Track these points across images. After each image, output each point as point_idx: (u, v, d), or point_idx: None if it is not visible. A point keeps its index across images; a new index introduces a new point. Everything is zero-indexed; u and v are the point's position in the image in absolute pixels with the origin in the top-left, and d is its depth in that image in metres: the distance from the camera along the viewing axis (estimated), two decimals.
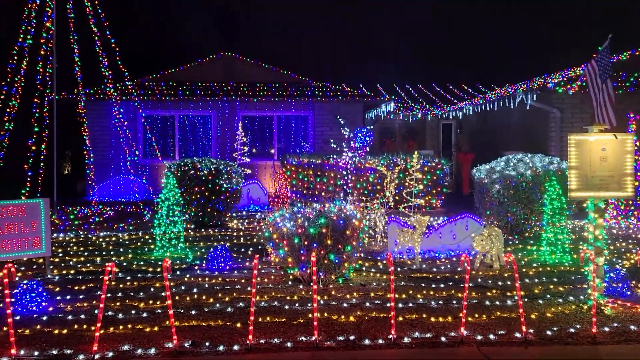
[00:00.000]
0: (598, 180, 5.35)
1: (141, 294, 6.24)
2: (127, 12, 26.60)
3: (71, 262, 7.82)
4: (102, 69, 12.26)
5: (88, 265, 7.69)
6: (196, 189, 10.70)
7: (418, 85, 23.51)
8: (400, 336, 4.90)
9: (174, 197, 8.44)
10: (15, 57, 10.97)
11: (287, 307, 5.74)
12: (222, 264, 7.37)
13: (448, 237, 8.21)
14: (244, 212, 13.15)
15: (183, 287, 6.46)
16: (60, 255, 8.26)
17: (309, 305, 5.69)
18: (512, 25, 34.69)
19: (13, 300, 5.50)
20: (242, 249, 8.70)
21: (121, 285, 6.54)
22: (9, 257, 6.67)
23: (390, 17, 37.76)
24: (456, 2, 36.81)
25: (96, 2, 11.64)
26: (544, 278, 6.88)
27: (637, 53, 13.74)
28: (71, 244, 9.16)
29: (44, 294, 5.74)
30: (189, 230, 10.37)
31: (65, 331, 5.08)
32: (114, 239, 9.68)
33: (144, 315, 5.51)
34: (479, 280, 6.81)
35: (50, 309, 5.66)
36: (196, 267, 7.48)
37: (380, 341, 4.84)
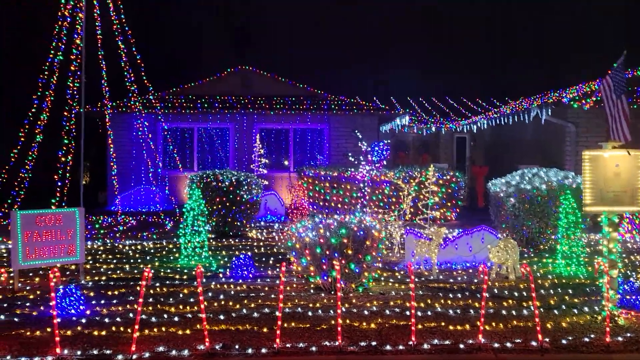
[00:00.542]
0: (612, 194, 5.57)
1: (171, 299, 6.55)
2: (147, 28, 27.25)
3: (102, 269, 8.17)
4: (127, 84, 12.70)
5: (118, 272, 8.03)
6: (217, 199, 11.04)
7: (432, 99, 23.79)
8: (420, 343, 5.13)
9: (199, 207, 8.76)
10: (46, 72, 11.43)
11: (310, 313, 6.00)
12: (246, 272, 7.66)
13: (464, 248, 8.43)
14: (262, 223, 13.46)
15: (210, 294, 6.75)
16: (91, 262, 8.61)
17: (331, 312, 5.94)
18: (528, 39, 34.90)
19: (53, 303, 5.82)
20: (263, 258, 8.99)
21: (152, 291, 6.84)
22: (46, 264, 7.04)
23: (404, 31, 38.17)
24: (471, 17, 37.12)
25: (123, 21, 12.09)
26: (559, 289, 7.08)
27: None
28: (99, 252, 9.52)
29: (82, 298, 6.06)
30: (211, 240, 10.68)
31: (103, 333, 5.39)
32: (139, 247, 10.03)
33: (176, 319, 5.81)
34: (495, 290, 7.02)
35: (88, 312, 5.98)
36: (221, 275, 7.78)
37: (400, 347, 5.08)
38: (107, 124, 13.61)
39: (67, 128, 11.35)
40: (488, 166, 17.87)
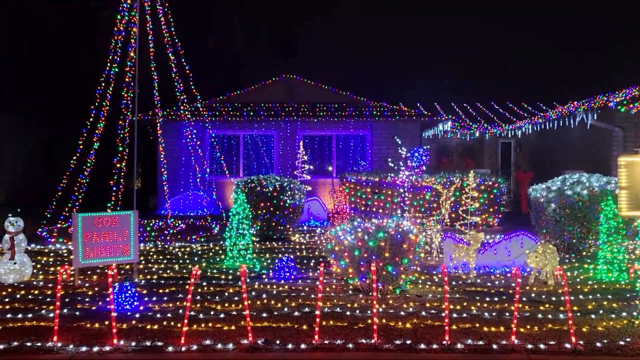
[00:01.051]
0: None
1: (217, 297, 6.94)
2: (195, 37, 28.27)
3: (153, 269, 8.70)
4: (177, 93, 13.36)
5: (168, 271, 8.53)
6: (262, 204, 11.46)
7: (476, 104, 23.60)
8: (453, 342, 5.30)
9: (244, 211, 9.16)
10: (103, 84, 12.20)
11: (348, 313, 6.25)
12: (288, 274, 7.98)
13: (503, 253, 8.48)
14: (305, 227, 13.80)
15: (254, 293, 7.11)
16: (143, 262, 9.16)
17: (369, 312, 6.18)
18: (573, 42, 34.03)
19: (111, 298, 6.31)
20: (305, 261, 9.30)
21: (199, 290, 7.27)
22: (103, 262, 7.59)
23: (448, 36, 37.91)
24: (516, 21, 36.54)
25: (173, 34, 12.75)
26: (599, 295, 7.06)
27: None
28: (151, 253, 10.09)
29: (136, 295, 6.54)
30: (255, 243, 11.08)
31: (155, 327, 5.82)
32: (187, 249, 10.55)
33: (221, 316, 6.19)
34: (533, 295, 7.08)
35: (141, 308, 6.45)
36: (264, 276, 8.14)
37: (434, 346, 5.26)
38: (158, 132, 14.32)
39: (121, 136, 12.06)
40: (532, 172, 17.62)
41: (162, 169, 14.73)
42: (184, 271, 8.53)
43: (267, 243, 11.28)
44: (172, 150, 17.74)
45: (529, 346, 5.24)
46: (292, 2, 36.99)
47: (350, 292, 7.20)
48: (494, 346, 5.24)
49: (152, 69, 12.52)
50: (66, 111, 21.58)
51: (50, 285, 7.65)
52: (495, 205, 12.79)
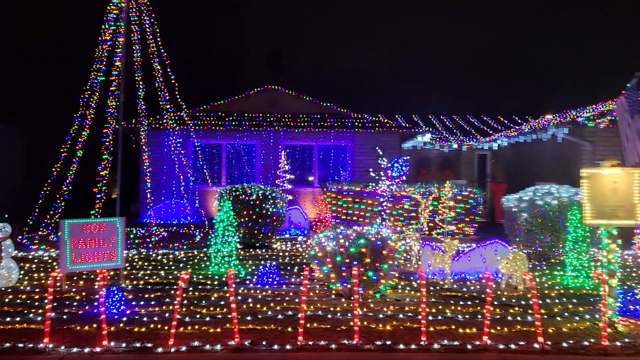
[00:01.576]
0: (609, 209, 6.00)
1: (203, 302, 7.16)
2: (181, 47, 28.48)
3: (139, 275, 8.86)
4: (161, 102, 13.54)
5: (154, 277, 8.70)
6: (245, 212, 11.69)
7: (453, 117, 24.22)
8: (430, 343, 5.62)
9: (229, 219, 9.39)
10: (88, 92, 12.33)
11: (330, 316, 6.54)
12: (271, 279, 8.23)
13: (477, 260, 8.86)
14: (287, 235, 14.05)
15: (239, 298, 7.33)
16: (128, 268, 9.31)
17: (350, 315, 6.47)
18: (549, 57, 35.09)
19: (102, 300, 6.49)
20: (288, 267, 9.55)
21: (185, 295, 7.47)
22: (89, 268, 7.74)
23: (427, 51, 38.73)
24: (493, 36, 37.51)
25: (159, 45, 12.96)
26: (565, 299, 7.48)
27: None
28: (136, 259, 10.24)
29: (123, 299, 6.71)
30: (238, 250, 11.28)
31: (143, 329, 6.01)
32: (171, 256, 10.71)
33: (207, 319, 6.41)
34: (504, 299, 7.45)
35: (128, 311, 6.63)
36: (248, 282, 8.37)
37: (412, 346, 5.58)
38: (142, 140, 14.45)
39: (106, 144, 12.19)
40: (506, 183, 18.17)
41: (146, 177, 14.85)
42: (170, 277, 8.71)
43: (250, 250, 11.50)
44: (156, 159, 17.83)
45: (501, 346, 5.58)
46: (277, 16, 37.46)
47: (332, 296, 7.48)
48: (468, 346, 5.58)
49: (137, 78, 12.69)
50: (50, 118, 21.53)
51: (37, 290, 7.78)
52: (471, 215, 13.22)
